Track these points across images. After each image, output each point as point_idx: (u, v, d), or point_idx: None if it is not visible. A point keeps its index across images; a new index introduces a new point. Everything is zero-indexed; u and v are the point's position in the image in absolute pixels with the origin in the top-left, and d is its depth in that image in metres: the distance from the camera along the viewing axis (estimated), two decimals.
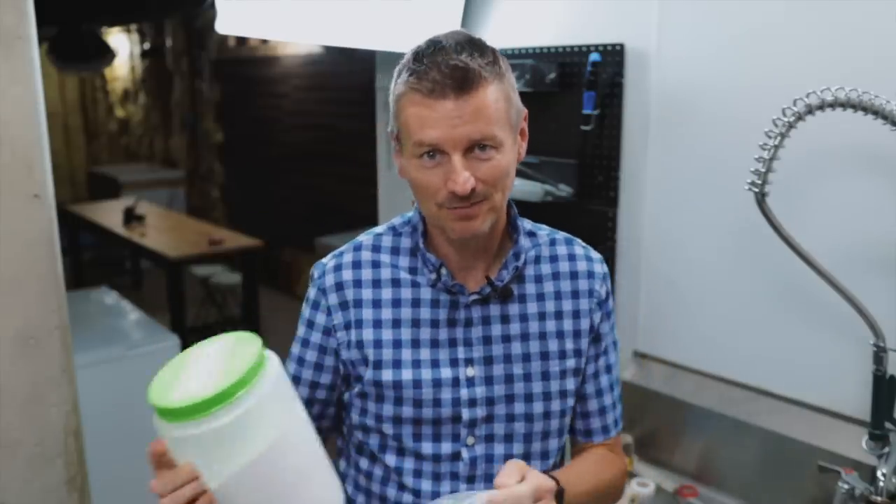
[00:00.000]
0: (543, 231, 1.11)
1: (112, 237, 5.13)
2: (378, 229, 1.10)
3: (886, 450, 1.35)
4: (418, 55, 0.92)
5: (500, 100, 0.92)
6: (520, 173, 1.93)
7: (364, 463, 1.08)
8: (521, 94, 1.00)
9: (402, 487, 1.04)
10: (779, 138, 1.30)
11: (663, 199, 1.75)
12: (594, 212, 1.87)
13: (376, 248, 1.06)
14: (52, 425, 1.36)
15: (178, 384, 0.77)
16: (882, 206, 1.39)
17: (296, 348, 1.08)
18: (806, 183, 1.47)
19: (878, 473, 1.32)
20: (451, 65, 0.88)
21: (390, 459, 1.04)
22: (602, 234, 1.86)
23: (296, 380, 1.06)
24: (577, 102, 1.80)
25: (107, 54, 3.94)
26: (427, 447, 1.02)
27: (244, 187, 6.58)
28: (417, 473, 1.03)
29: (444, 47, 0.90)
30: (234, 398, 0.74)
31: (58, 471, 1.38)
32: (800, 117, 1.28)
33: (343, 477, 1.12)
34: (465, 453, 1.02)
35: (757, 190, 1.34)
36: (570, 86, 1.84)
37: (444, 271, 1.01)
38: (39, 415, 1.34)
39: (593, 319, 1.07)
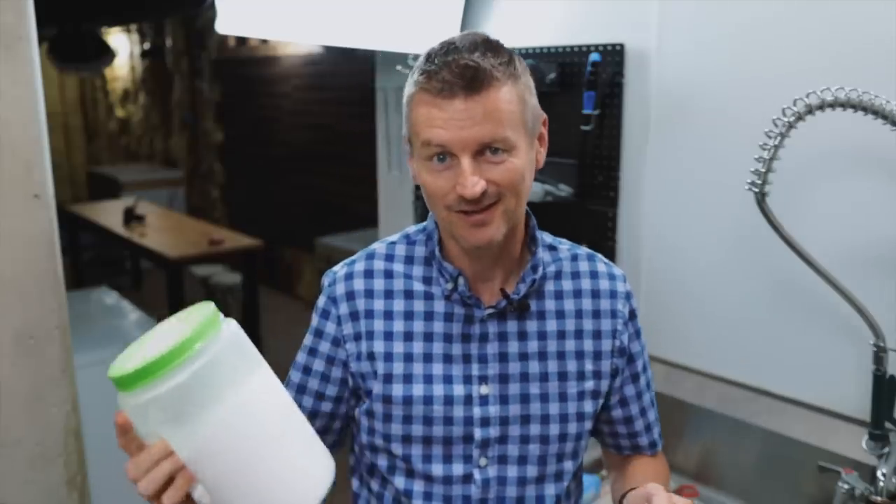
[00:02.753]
0: (564, 245, 1.07)
1: (112, 237, 5.13)
2: (392, 238, 1.06)
3: (886, 450, 1.35)
4: (430, 56, 0.89)
5: (513, 101, 0.88)
6: None
7: (375, 485, 1.05)
8: None
9: None
10: (779, 138, 1.30)
11: (663, 199, 1.74)
12: (594, 212, 1.87)
13: (389, 258, 1.03)
14: (52, 425, 1.36)
15: (136, 356, 0.75)
16: (882, 206, 1.39)
17: (301, 357, 1.05)
18: (806, 183, 1.47)
19: (878, 473, 1.32)
20: (461, 64, 0.85)
21: (399, 482, 1.01)
22: (602, 234, 1.86)
23: (301, 389, 1.04)
24: (577, 102, 1.80)
25: (107, 54, 3.95)
26: (437, 469, 0.98)
27: (244, 187, 6.57)
28: (427, 497, 0.99)
29: (457, 48, 0.88)
30: (187, 355, 0.72)
31: (58, 471, 1.38)
32: (800, 117, 1.28)
33: (356, 497, 1.10)
34: (477, 475, 0.98)
35: (757, 190, 1.34)
36: (570, 86, 1.84)
37: (461, 281, 0.97)
38: (39, 415, 1.34)
39: (621, 340, 1.04)
